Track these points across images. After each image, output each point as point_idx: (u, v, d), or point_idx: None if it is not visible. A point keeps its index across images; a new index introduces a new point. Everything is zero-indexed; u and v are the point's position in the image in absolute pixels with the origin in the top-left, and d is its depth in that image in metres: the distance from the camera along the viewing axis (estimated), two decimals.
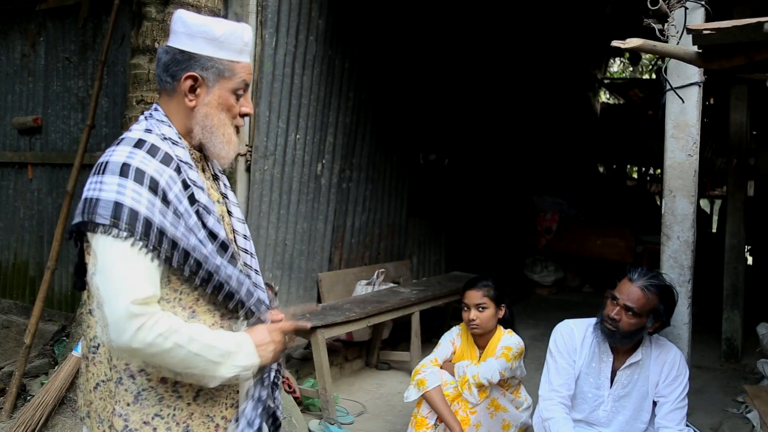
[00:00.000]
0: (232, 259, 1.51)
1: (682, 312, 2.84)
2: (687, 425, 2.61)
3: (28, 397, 3.70)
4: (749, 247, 7.64)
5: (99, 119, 4.65)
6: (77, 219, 1.37)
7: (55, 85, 5.11)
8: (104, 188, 1.34)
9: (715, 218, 11.40)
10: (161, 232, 1.35)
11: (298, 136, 4.78)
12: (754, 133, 6.89)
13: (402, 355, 4.97)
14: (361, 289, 5.16)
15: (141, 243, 1.33)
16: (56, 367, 3.66)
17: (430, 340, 5.22)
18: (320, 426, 3.70)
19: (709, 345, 5.62)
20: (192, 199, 1.44)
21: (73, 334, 3.78)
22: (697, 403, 4.26)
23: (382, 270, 5.39)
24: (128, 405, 1.42)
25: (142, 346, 1.31)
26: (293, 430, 3.39)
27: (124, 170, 1.35)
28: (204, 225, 1.45)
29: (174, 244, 1.37)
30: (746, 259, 6.22)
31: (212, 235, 1.47)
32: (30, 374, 3.97)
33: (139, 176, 1.35)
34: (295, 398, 3.82)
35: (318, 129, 5.00)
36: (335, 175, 5.26)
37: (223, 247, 1.49)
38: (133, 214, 1.32)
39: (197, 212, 1.45)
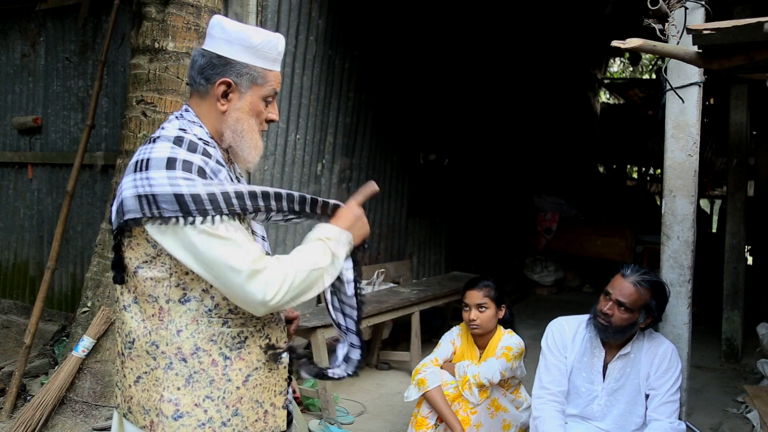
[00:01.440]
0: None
1: (682, 312, 2.85)
2: (687, 424, 2.62)
3: (28, 397, 3.70)
4: (749, 247, 7.63)
5: (99, 119, 4.65)
6: (132, 215, 1.40)
7: (55, 85, 5.11)
8: (155, 183, 1.37)
9: (715, 218, 11.40)
10: (225, 196, 1.40)
11: (298, 136, 4.79)
12: (754, 133, 6.88)
13: (402, 355, 4.97)
14: None
15: (217, 218, 1.38)
16: (56, 367, 3.66)
17: (430, 340, 5.23)
18: (320, 426, 3.70)
19: (709, 345, 5.62)
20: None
21: (73, 334, 3.78)
22: (697, 403, 4.26)
23: (382, 270, 5.39)
24: (178, 389, 1.45)
25: (278, 297, 1.40)
26: (293, 430, 3.39)
27: (170, 164, 1.39)
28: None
29: (240, 195, 1.43)
30: (746, 259, 6.22)
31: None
32: (30, 374, 3.97)
33: (187, 165, 1.39)
34: (295, 398, 3.82)
35: (318, 129, 5.00)
36: (335, 175, 5.27)
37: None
38: (196, 198, 1.36)
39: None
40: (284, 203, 1.52)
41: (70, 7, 4.97)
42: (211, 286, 1.45)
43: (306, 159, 4.89)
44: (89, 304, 3.72)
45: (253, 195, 1.45)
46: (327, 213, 1.62)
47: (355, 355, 1.74)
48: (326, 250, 1.52)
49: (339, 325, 1.74)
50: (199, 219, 1.36)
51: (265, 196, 1.48)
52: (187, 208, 1.36)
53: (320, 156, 5.07)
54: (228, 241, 1.38)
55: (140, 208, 1.38)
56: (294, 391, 3.89)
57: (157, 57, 3.63)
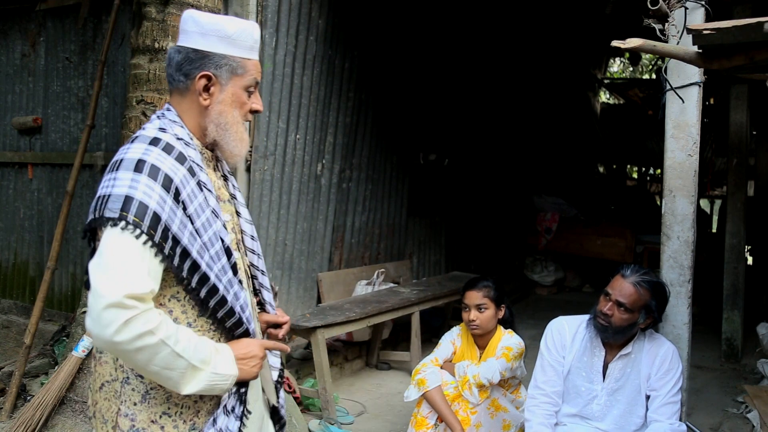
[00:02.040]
0: (234, 267, 1.50)
1: (682, 312, 2.85)
2: (687, 425, 2.61)
3: (28, 397, 3.70)
4: (749, 247, 7.63)
5: (99, 119, 4.65)
6: (90, 217, 1.38)
7: (55, 85, 5.11)
8: (117, 184, 1.34)
9: (715, 218, 11.40)
10: (167, 229, 1.34)
11: (298, 136, 4.79)
12: (754, 133, 6.88)
13: (402, 355, 4.96)
14: (361, 289, 5.16)
15: (146, 237, 1.31)
16: (56, 367, 3.66)
17: (430, 340, 5.23)
18: (320, 426, 3.70)
19: (709, 345, 5.62)
20: (205, 202, 1.45)
21: (73, 334, 3.78)
22: (697, 403, 4.26)
23: (382, 270, 5.39)
24: (135, 405, 1.43)
25: (126, 339, 1.26)
26: (293, 430, 3.40)
27: (138, 166, 1.36)
28: (210, 226, 1.45)
29: (176, 243, 1.36)
30: (746, 259, 6.21)
31: (218, 239, 1.46)
32: (30, 374, 3.97)
33: (154, 172, 1.35)
34: (295, 398, 3.82)
35: (318, 129, 5.00)
36: (335, 175, 5.27)
37: (227, 253, 1.48)
38: (143, 207, 1.31)
39: (209, 213, 1.45)
40: (206, 276, 1.41)
41: (70, 7, 4.97)
42: (169, 300, 1.41)
43: (306, 159, 4.89)
44: None
45: (184, 250, 1.37)
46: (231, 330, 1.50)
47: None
48: (204, 357, 1.38)
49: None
50: (131, 227, 1.30)
51: (194, 264, 1.39)
52: (127, 212, 1.30)
53: (320, 156, 5.07)
54: (131, 261, 1.29)
55: (93, 209, 1.36)
56: (294, 391, 3.90)
57: (157, 57, 3.62)
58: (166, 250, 1.34)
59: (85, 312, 3.83)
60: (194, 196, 1.42)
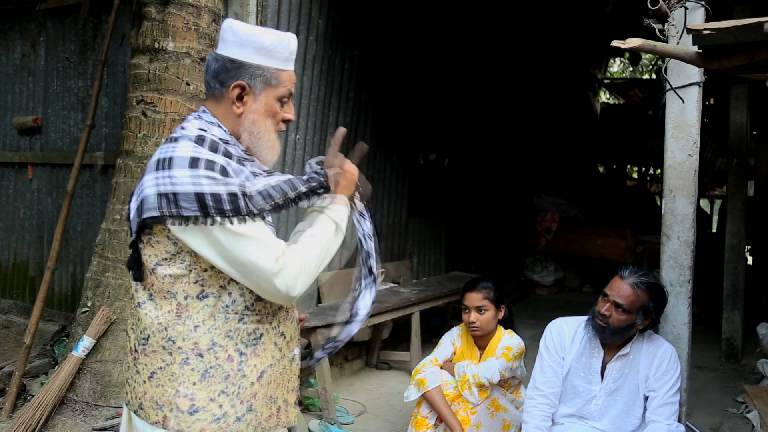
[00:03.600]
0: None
1: (682, 312, 2.85)
2: (686, 425, 2.62)
3: (28, 397, 3.70)
4: (749, 247, 7.63)
5: (99, 119, 4.65)
6: (151, 213, 1.42)
7: (55, 85, 5.11)
8: (177, 181, 1.40)
9: (715, 218, 11.40)
10: (245, 197, 1.43)
11: (298, 136, 4.78)
12: (754, 133, 6.88)
13: (402, 355, 4.97)
14: None
15: (238, 217, 1.40)
16: (56, 367, 3.66)
17: (430, 340, 5.23)
18: (320, 426, 3.70)
19: (709, 345, 5.62)
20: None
21: (73, 334, 3.78)
22: (697, 403, 4.26)
23: (382, 270, 5.39)
24: (194, 384, 1.47)
25: (300, 283, 1.46)
26: (293, 431, 3.39)
27: (193, 163, 1.41)
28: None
29: (260, 195, 1.47)
30: (746, 259, 6.22)
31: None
32: (30, 374, 3.97)
33: (210, 164, 1.41)
34: None
35: (318, 129, 5.00)
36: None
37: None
38: (217, 197, 1.39)
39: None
40: (302, 197, 1.59)
41: (70, 7, 4.97)
42: (229, 283, 1.48)
43: (306, 159, 4.89)
44: (89, 304, 3.72)
45: (268, 195, 1.50)
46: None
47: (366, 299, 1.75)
48: (329, 224, 1.60)
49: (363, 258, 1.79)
50: (218, 218, 1.39)
51: (284, 195, 1.54)
52: (207, 208, 1.38)
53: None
54: (251, 239, 1.42)
55: (159, 207, 1.41)
56: None
57: (157, 57, 3.62)
58: (260, 208, 1.47)
59: (84, 312, 3.84)
60: (252, 177, 1.51)
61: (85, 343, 3.49)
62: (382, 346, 5.11)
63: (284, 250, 1.46)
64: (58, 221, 4.14)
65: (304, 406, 3.99)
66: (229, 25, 1.55)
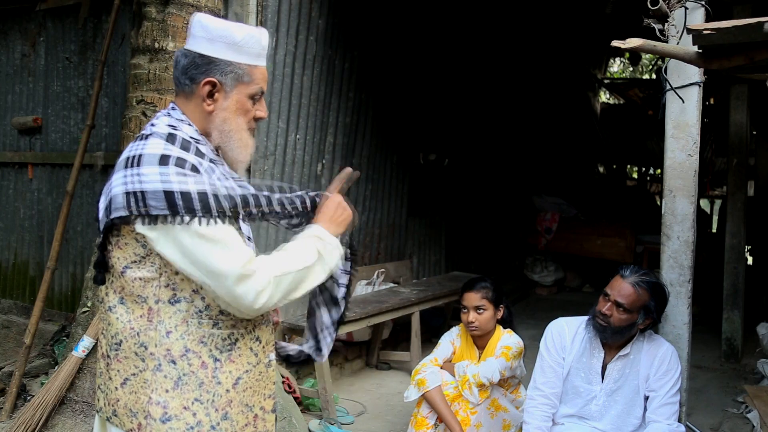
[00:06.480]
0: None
1: (682, 312, 2.85)
2: (687, 425, 2.62)
3: (28, 397, 3.70)
4: (749, 247, 7.63)
5: (99, 119, 4.65)
6: (119, 213, 1.37)
7: (55, 85, 5.11)
8: (145, 179, 1.34)
9: (715, 218, 11.39)
10: (216, 197, 1.37)
11: (298, 136, 4.78)
12: (754, 133, 6.88)
13: (402, 355, 4.97)
14: (361, 289, 5.16)
15: (206, 218, 1.35)
16: (56, 367, 3.66)
17: (430, 340, 5.23)
18: (320, 426, 3.70)
19: (709, 345, 5.62)
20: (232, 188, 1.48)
21: (73, 334, 3.78)
22: (697, 403, 4.26)
23: (382, 270, 5.39)
24: (167, 392, 1.42)
25: (266, 298, 1.39)
26: (293, 430, 3.39)
27: (163, 160, 1.36)
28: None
29: (231, 197, 1.41)
30: (746, 259, 6.21)
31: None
32: (30, 374, 3.97)
33: (180, 162, 1.37)
34: (295, 398, 3.82)
35: (318, 129, 5.00)
36: (335, 176, 5.25)
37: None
38: (186, 196, 1.34)
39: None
40: (275, 207, 1.53)
41: (70, 7, 4.97)
42: (202, 287, 1.42)
43: (306, 159, 4.89)
44: (89, 304, 3.72)
45: (244, 200, 1.44)
46: (310, 210, 1.63)
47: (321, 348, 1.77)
48: (312, 249, 1.51)
49: (314, 324, 1.76)
50: (187, 218, 1.33)
51: (257, 200, 1.48)
52: (176, 207, 1.33)
53: (320, 156, 5.07)
54: (217, 242, 1.35)
55: (127, 206, 1.35)
56: (294, 391, 3.90)
57: (157, 57, 3.62)
58: (231, 210, 1.41)
59: (85, 312, 3.84)
60: (223, 179, 1.45)
61: (85, 343, 3.49)
62: (382, 346, 5.11)
63: (252, 258, 1.39)
64: (58, 221, 4.14)
65: (304, 406, 3.99)
66: (198, 19, 1.50)
